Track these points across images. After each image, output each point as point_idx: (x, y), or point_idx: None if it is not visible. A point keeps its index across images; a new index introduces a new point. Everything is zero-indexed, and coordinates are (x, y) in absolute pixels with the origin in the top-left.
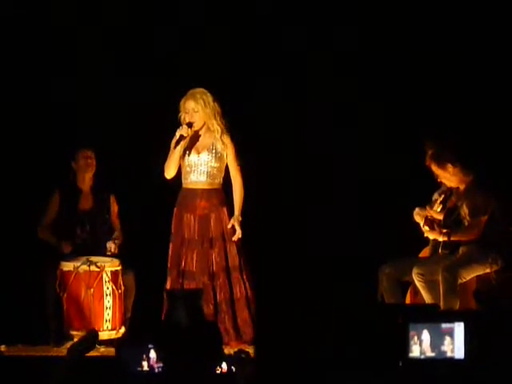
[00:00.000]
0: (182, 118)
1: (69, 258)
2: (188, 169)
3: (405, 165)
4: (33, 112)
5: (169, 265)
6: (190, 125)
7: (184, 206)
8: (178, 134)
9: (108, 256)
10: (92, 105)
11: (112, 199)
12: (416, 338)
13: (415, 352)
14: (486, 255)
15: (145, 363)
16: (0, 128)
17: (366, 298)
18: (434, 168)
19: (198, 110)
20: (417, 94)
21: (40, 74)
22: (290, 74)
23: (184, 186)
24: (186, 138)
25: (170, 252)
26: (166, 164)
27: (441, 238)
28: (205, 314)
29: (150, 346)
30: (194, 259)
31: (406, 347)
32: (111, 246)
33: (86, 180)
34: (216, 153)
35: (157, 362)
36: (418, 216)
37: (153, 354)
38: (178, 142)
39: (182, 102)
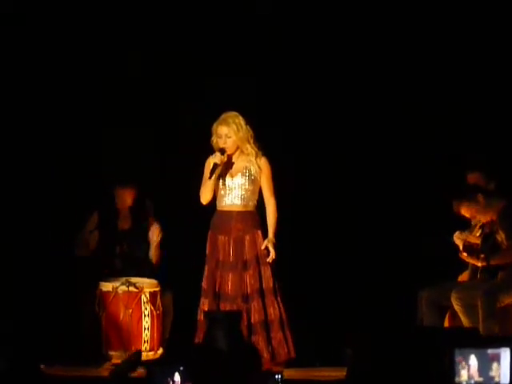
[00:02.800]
0: (215, 142)
1: (108, 279)
2: (222, 192)
3: (445, 188)
4: (81, 135)
5: (204, 286)
6: (222, 151)
7: (218, 228)
8: (211, 162)
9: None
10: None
11: (151, 220)
12: (464, 363)
13: (463, 377)
14: None
15: None
16: (44, 150)
17: (406, 323)
18: (467, 210)
19: (231, 136)
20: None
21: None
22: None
23: (219, 208)
24: (219, 165)
25: (205, 274)
26: (202, 190)
27: (479, 264)
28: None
29: (180, 368)
30: (229, 281)
31: (453, 372)
32: (154, 233)
33: (125, 206)
34: (250, 176)
35: None
36: (458, 239)
37: (177, 378)
38: (212, 170)
39: (214, 127)
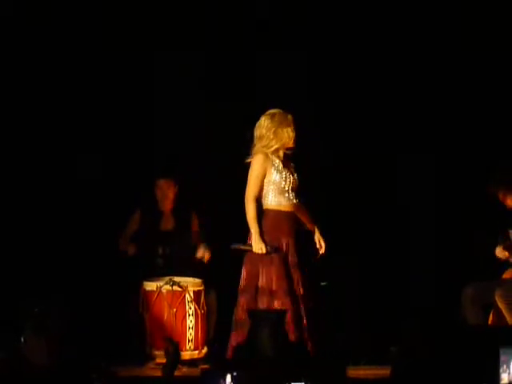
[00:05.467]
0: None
1: (152, 278)
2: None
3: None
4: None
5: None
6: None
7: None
8: (260, 248)
9: (201, 272)
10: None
11: (194, 217)
12: (505, 366)
13: (504, 380)
14: None
15: None
16: (86, 147)
17: (450, 321)
18: (503, 196)
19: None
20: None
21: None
22: None
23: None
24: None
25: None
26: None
27: None
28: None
29: (234, 372)
30: (274, 279)
31: (498, 372)
32: (203, 254)
33: (166, 203)
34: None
35: None
36: (501, 254)
37: (228, 380)
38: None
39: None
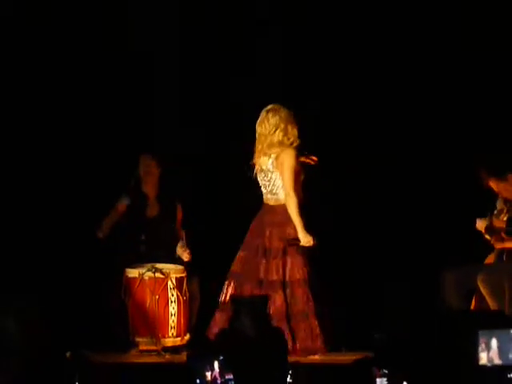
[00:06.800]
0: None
1: (134, 265)
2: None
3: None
4: (106, 114)
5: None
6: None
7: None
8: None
9: (178, 263)
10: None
11: (178, 208)
12: (484, 345)
13: (483, 360)
14: None
15: (208, 374)
16: (71, 134)
17: (432, 306)
18: (495, 184)
19: None
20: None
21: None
22: None
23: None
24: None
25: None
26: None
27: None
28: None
29: (220, 357)
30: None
31: (476, 355)
32: (186, 255)
33: (150, 187)
34: None
35: (220, 374)
36: (480, 224)
37: (217, 366)
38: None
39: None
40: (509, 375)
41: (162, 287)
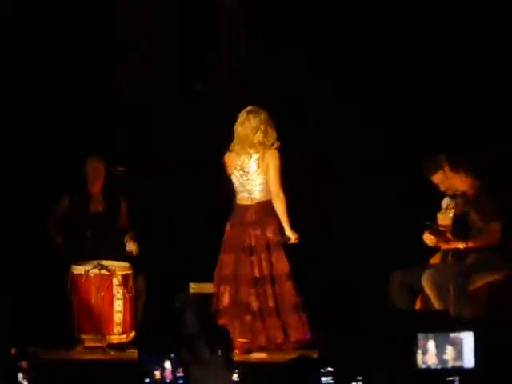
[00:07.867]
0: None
1: (80, 262)
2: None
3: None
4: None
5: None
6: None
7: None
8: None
9: (124, 260)
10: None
11: (123, 203)
12: (422, 347)
13: (418, 361)
14: (498, 261)
15: (157, 372)
16: (16, 132)
17: (377, 306)
18: (446, 170)
19: None
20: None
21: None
22: None
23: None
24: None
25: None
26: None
27: (460, 245)
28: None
29: (171, 355)
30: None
31: (414, 356)
32: (132, 247)
33: (97, 184)
34: None
35: (172, 372)
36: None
37: (168, 364)
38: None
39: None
40: (448, 378)
41: (108, 284)
